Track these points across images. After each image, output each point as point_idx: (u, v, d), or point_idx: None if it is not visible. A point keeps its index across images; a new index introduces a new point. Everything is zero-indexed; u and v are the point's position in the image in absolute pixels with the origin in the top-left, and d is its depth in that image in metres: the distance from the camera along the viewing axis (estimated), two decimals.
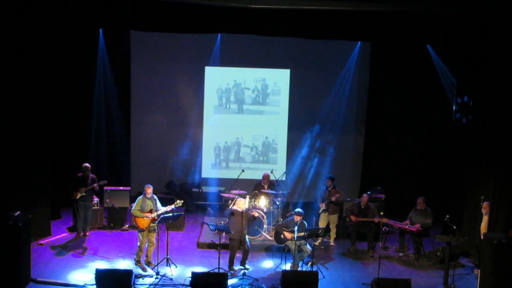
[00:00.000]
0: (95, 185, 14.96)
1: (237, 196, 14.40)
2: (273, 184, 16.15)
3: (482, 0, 12.69)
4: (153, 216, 12.96)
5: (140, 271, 12.81)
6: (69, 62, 16.58)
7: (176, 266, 13.09)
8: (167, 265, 12.95)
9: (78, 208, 15.00)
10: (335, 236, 15.35)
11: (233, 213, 13.26)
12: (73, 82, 17.04)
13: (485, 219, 13.44)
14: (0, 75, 12.88)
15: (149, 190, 13.17)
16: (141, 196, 13.20)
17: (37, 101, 14.36)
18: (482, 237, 13.34)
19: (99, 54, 17.42)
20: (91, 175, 15.05)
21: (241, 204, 13.24)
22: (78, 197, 14.86)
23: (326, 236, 15.17)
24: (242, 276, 12.78)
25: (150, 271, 12.87)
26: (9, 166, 13.53)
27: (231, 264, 13.15)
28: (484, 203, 13.48)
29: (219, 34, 17.68)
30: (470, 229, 14.48)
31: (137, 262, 13.11)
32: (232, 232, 13.02)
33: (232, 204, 14.71)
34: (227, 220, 13.83)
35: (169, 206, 13.26)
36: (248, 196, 15.35)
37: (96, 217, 15.74)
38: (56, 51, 15.35)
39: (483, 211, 13.50)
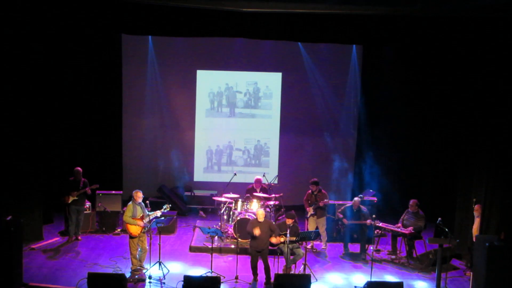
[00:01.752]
0: (87, 189, 14.92)
1: (257, 208, 14.33)
2: (265, 188, 16.15)
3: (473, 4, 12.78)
4: (145, 222, 12.89)
5: (133, 276, 12.79)
6: (60, 66, 16.52)
7: (169, 270, 13.06)
8: (159, 269, 12.91)
9: (70, 212, 14.97)
10: (326, 238, 15.35)
11: (253, 224, 13.10)
12: (64, 86, 17.00)
13: (477, 221, 13.48)
14: None
15: (139, 195, 13.03)
16: (130, 202, 13.05)
17: (28, 106, 14.33)
18: (474, 240, 13.39)
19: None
20: (83, 179, 15.02)
21: (261, 215, 12.98)
22: (70, 201, 14.83)
23: (318, 240, 15.17)
24: (235, 280, 12.77)
25: (142, 275, 12.84)
26: (0, 171, 13.51)
27: (253, 273, 13.03)
28: (476, 205, 13.54)
29: (211, 38, 17.67)
30: (462, 232, 14.51)
31: (135, 271, 12.98)
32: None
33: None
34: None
35: (158, 211, 13.19)
36: (240, 200, 15.35)
37: (88, 221, 15.70)
38: (49, 54, 15.32)
39: (475, 213, 13.55)
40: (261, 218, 12.95)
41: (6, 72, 13.66)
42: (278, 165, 19.12)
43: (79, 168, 15.08)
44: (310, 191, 15.23)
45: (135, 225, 12.80)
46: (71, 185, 14.89)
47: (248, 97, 18.95)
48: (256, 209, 13.62)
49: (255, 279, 12.95)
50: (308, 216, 15.15)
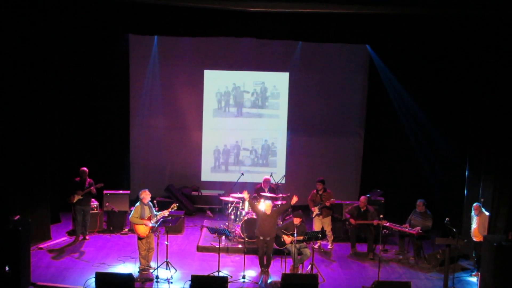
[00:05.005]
0: (92, 188, 14.93)
1: (264, 200, 14.40)
2: (273, 188, 16.14)
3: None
4: (152, 223, 12.88)
5: (140, 275, 12.81)
6: (65, 66, 16.53)
7: (176, 270, 13.08)
8: (166, 269, 12.91)
9: (75, 212, 15.01)
10: (332, 238, 15.35)
11: (258, 213, 13.38)
12: (72, 86, 17.04)
13: (476, 220, 13.47)
14: None
15: (147, 193, 13.03)
16: (138, 203, 13.03)
17: (37, 106, 14.39)
18: (474, 239, 13.40)
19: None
20: (88, 179, 15.04)
21: (268, 207, 13.24)
22: (75, 201, 14.86)
23: (325, 239, 15.17)
24: (242, 280, 12.78)
25: (150, 275, 12.85)
26: (8, 170, 13.54)
27: (260, 265, 13.33)
28: (475, 204, 13.52)
29: (218, 38, 17.67)
30: (470, 232, 14.45)
31: (142, 271, 13.01)
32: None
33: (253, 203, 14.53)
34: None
35: (165, 210, 13.17)
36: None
37: (95, 221, 15.74)
38: (58, 54, 15.35)
39: (475, 212, 13.52)
40: (268, 211, 13.21)
41: (14, 72, 13.69)
42: (285, 164, 19.11)
43: (84, 168, 15.11)
44: (315, 190, 15.23)
45: (143, 225, 12.81)
46: (77, 185, 14.92)
47: (255, 97, 18.95)
48: (263, 202, 13.66)
49: (262, 272, 13.20)
50: (313, 216, 15.15)
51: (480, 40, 13.78)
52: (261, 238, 13.20)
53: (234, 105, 18.96)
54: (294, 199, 13.45)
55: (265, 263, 13.31)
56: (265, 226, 13.16)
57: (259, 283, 12.79)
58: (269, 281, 12.97)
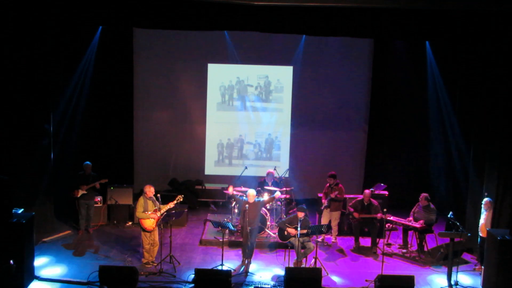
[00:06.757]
0: (96, 183, 14.96)
1: (248, 190, 14.41)
2: (276, 181, 16.13)
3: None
4: (158, 216, 12.92)
5: (144, 269, 12.83)
6: (69, 60, 16.49)
7: (179, 264, 13.10)
8: (170, 262, 12.94)
9: (79, 207, 15.05)
10: (337, 233, 15.35)
11: (240, 203, 13.56)
12: (75, 80, 17.02)
13: (485, 215, 13.43)
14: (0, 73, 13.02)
15: (152, 190, 13.08)
16: (141, 197, 13.10)
17: (40, 99, 14.39)
18: (480, 234, 13.35)
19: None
20: (92, 173, 15.07)
21: (251, 196, 13.31)
22: (79, 196, 14.89)
23: (329, 233, 15.16)
24: (245, 273, 12.79)
25: (153, 268, 12.88)
26: (12, 163, 13.57)
27: (243, 255, 13.40)
28: (486, 199, 13.46)
29: (222, 31, 17.65)
30: (473, 225, 14.43)
31: (146, 264, 13.07)
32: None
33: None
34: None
35: (171, 202, 13.21)
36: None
37: (99, 215, 15.77)
38: (58, 48, 15.33)
39: (484, 207, 13.47)
40: (251, 200, 13.31)
41: (18, 67, 13.71)
42: (289, 158, 19.09)
43: (88, 163, 15.14)
44: (328, 184, 15.25)
45: (149, 218, 12.83)
46: (80, 179, 14.95)
47: (259, 91, 18.92)
48: (248, 191, 13.72)
49: (243, 262, 13.33)
50: (322, 208, 15.16)
51: (483, 36, 13.76)
52: (244, 225, 13.26)
53: (238, 99, 18.95)
54: (277, 194, 13.92)
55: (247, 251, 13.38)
56: (248, 215, 13.17)
57: (240, 271, 12.90)
58: (250, 270, 13.01)
